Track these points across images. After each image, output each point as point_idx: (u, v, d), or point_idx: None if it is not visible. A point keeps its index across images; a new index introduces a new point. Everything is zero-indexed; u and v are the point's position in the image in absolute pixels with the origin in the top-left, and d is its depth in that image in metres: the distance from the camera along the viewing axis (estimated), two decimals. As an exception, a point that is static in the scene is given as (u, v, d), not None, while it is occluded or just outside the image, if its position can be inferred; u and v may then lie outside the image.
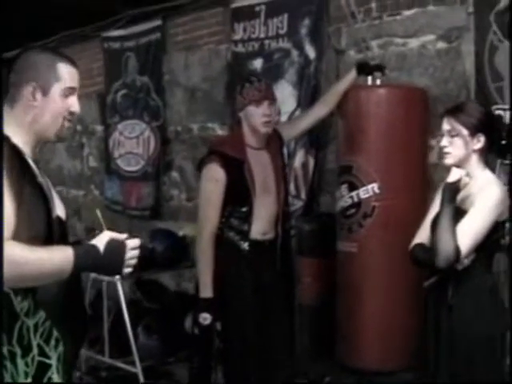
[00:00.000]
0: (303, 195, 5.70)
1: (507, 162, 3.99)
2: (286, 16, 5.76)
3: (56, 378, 2.38)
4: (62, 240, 2.39)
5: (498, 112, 4.19)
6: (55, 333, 2.37)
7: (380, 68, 4.54)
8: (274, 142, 4.25)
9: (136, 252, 2.39)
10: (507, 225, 3.34)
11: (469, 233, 3.04)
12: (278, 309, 4.21)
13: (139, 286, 6.17)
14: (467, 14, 4.56)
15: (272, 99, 4.15)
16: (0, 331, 2.24)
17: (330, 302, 4.75)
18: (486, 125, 3.20)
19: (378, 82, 4.55)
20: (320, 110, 4.53)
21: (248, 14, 6.06)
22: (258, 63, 6.04)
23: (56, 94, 2.45)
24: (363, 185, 4.43)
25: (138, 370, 5.32)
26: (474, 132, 3.17)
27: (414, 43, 4.94)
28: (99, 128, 8.26)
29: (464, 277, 3.13)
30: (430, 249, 3.20)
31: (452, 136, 3.20)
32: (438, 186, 3.45)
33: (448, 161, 3.22)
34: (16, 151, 2.30)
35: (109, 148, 7.94)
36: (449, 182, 3.14)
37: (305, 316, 4.92)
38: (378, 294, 4.46)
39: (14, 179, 2.22)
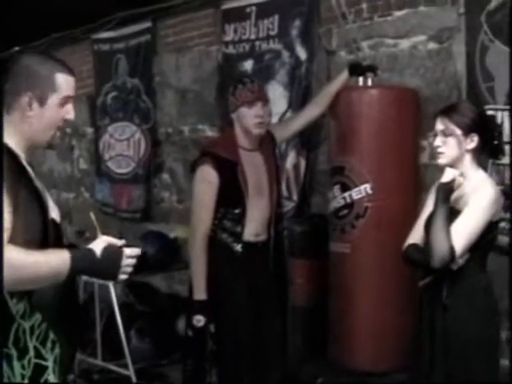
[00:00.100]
0: (295, 196, 5.70)
1: (499, 161, 3.99)
2: (276, 17, 5.75)
3: (52, 379, 2.38)
4: (57, 243, 2.39)
5: (489, 112, 4.20)
6: (51, 335, 2.37)
7: (372, 69, 4.54)
8: (266, 143, 4.25)
9: (133, 260, 2.40)
10: (503, 224, 3.35)
11: (463, 233, 3.04)
12: (271, 310, 4.21)
13: (131, 289, 6.15)
14: (458, 15, 4.56)
15: (265, 100, 4.14)
16: None
17: (323, 303, 4.75)
18: (480, 125, 3.20)
19: (370, 82, 4.56)
20: (312, 111, 4.53)
21: (239, 15, 6.06)
22: (248, 64, 6.04)
23: (52, 104, 2.44)
24: (356, 185, 4.43)
25: (130, 372, 5.31)
26: (467, 132, 3.17)
27: (405, 44, 4.95)
28: (89, 130, 8.24)
29: (458, 277, 3.13)
30: (423, 249, 3.21)
31: (445, 136, 3.20)
32: (431, 186, 3.45)
33: (442, 161, 3.23)
34: (12, 155, 2.30)
35: (99, 150, 7.93)
36: (443, 182, 3.14)
37: (297, 317, 4.92)
38: (370, 294, 4.46)
39: (11, 183, 2.21)
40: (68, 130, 8.36)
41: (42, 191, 2.38)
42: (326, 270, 4.71)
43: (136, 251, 2.41)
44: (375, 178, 4.41)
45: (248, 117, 4.07)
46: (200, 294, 4.04)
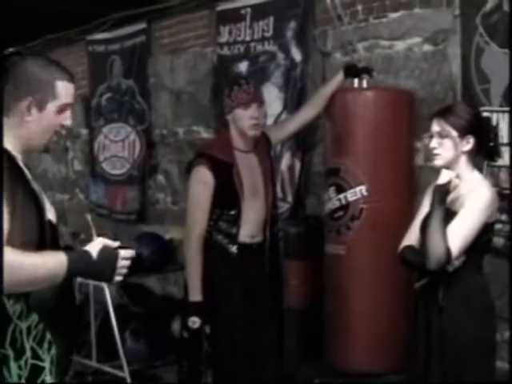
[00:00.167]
0: (289, 198, 5.70)
1: (494, 163, 3.99)
2: (271, 19, 5.76)
3: (49, 380, 2.38)
4: (54, 244, 2.39)
5: (484, 114, 4.21)
6: (48, 335, 2.37)
7: (368, 70, 4.55)
8: (262, 145, 4.24)
9: (128, 262, 2.41)
10: (499, 226, 3.35)
11: (459, 234, 3.04)
12: (267, 312, 4.21)
13: (126, 290, 6.15)
14: (453, 17, 4.57)
15: (260, 102, 4.14)
16: None
17: (317, 304, 4.75)
18: (476, 126, 3.20)
19: (365, 84, 4.56)
20: (307, 113, 4.53)
21: (234, 16, 6.06)
22: (243, 66, 6.04)
23: (51, 111, 2.44)
24: (351, 187, 4.44)
25: (125, 374, 5.30)
26: (463, 133, 3.18)
27: (400, 46, 4.96)
28: (84, 131, 8.23)
29: (454, 278, 3.14)
30: (419, 251, 3.21)
31: (441, 138, 3.20)
32: (426, 187, 3.46)
33: (438, 162, 3.23)
34: (9, 156, 2.31)
35: (94, 151, 7.92)
36: (439, 184, 3.14)
37: (291, 318, 4.91)
38: (366, 296, 4.46)
39: (8, 185, 2.22)
40: (62, 132, 8.32)
41: (39, 193, 2.38)
42: (320, 272, 4.72)
43: (130, 253, 2.41)
44: (370, 180, 4.41)
45: (243, 118, 4.07)
46: (195, 295, 4.04)
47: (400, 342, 4.14)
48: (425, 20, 4.78)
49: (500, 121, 4.23)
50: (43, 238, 2.33)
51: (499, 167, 4.21)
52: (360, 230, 4.44)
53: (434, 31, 4.73)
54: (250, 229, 4.12)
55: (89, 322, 5.70)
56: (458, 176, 3.16)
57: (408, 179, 4.59)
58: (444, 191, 3.11)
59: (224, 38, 6.17)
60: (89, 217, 2.53)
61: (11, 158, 2.32)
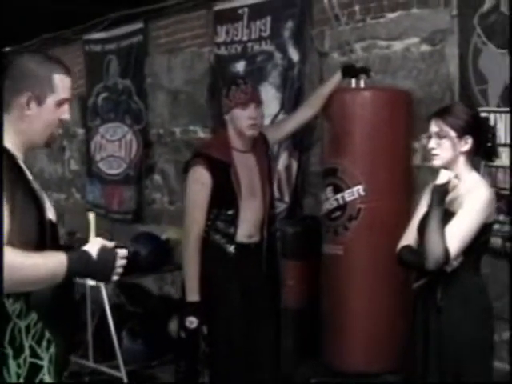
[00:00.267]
0: (287, 198, 5.70)
1: (491, 163, 4.00)
2: (269, 19, 5.76)
3: (48, 379, 2.38)
4: (54, 243, 2.40)
5: (482, 114, 4.21)
6: (47, 334, 2.37)
7: (365, 70, 4.56)
8: (259, 145, 4.24)
9: (124, 261, 2.42)
10: (497, 226, 3.35)
11: (457, 235, 3.04)
12: (264, 311, 4.21)
13: (122, 290, 6.14)
14: (451, 17, 4.58)
15: (258, 102, 4.13)
16: None
17: (314, 304, 4.76)
18: (474, 127, 3.20)
19: (363, 84, 4.57)
20: (305, 113, 4.53)
21: (231, 16, 6.06)
22: (240, 66, 6.04)
23: (50, 105, 2.45)
24: (348, 187, 4.44)
25: (122, 374, 5.29)
26: (461, 134, 3.17)
27: (397, 46, 4.96)
28: (80, 131, 8.23)
29: (453, 279, 3.14)
30: (417, 251, 3.21)
31: (440, 138, 3.20)
32: (423, 188, 3.46)
33: (436, 163, 3.23)
34: (9, 156, 2.31)
35: (90, 151, 7.91)
36: (438, 184, 3.14)
37: (289, 318, 4.91)
38: (363, 296, 4.47)
39: (8, 184, 2.22)
40: (59, 131, 8.32)
41: (39, 192, 2.38)
42: (317, 272, 4.72)
43: (124, 251, 2.43)
44: (368, 180, 4.42)
45: (241, 118, 4.07)
46: (193, 295, 4.03)
47: (397, 342, 4.15)
48: (422, 20, 4.78)
49: (497, 121, 4.23)
50: (43, 237, 2.33)
51: (497, 167, 4.21)
52: (357, 230, 4.44)
53: (431, 31, 4.73)
54: (247, 229, 4.12)
55: (85, 321, 5.70)
56: (456, 176, 3.16)
57: (405, 179, 4.59)
58: (443, 191, 3.11)
59: (221, 38, 6.17)
60: (91, 215, 2.53)
61: (11, 157, 2.32)
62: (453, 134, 3.17)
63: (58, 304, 2.41)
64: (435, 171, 3.23)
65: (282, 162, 5.69)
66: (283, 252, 5.00)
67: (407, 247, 3.30)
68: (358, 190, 4.42)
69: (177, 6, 6.51)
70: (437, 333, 3.17)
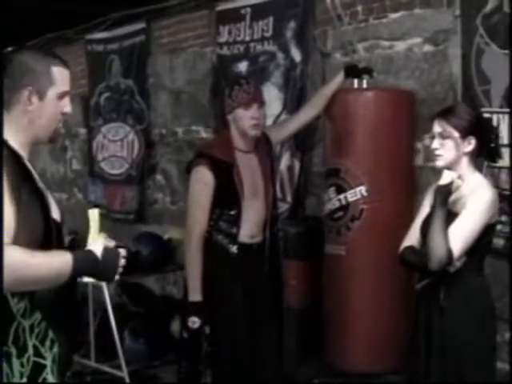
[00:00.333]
0: (289, 198, 5.70)
1: (494, 164, 3.99)
2: (271, 19, 5.76)
3: (51, 378, 2.38)
4: (58, 243, 2.40)
5: (485, 115, 4.21)
6: (50, 334, 2.38)
7: (368, 71, 4.55)
8: (262, 145, 4.24)
9: (124, 261, 2.44)
10: (499, 227, 3.35)
11: (461, 235, 3.04)
12: (267, 311, 4.20)
13: (124, 290, 6.14)
14: (454, 17, 4.57)
15: (261, 102, 4.13)
16: None
17: (316, 304, 4.76)
18: (477, 127, 3.20)
19: (365, 84, 4.56)
20: (308, 113, 4.53)
21: (233, 16, 6.06)
22: (243, 66, 6.04)
23: (51, 98, 2.46)
24: (351, 187, 4.44)
25: (124, 373, 5.29)
26: (464, 134, 3.17)
27: (400, 46, 4.96)
28: (82, 131, 8.23)
29: (456, 279, 3.13)
30: (420, 251, 3.21)
31: (443, 138, 3.19)
32: (426, 188, 3.46)
33: (439, 163, 3.22)
34: (15, 155, 2.31)
35: (92, 151, 7.92)
36: (441, 185, 3.13)
37: (291, 318, 4.91)
38: (365, 296, 4.47)
39: (13, 184, 2.22)
40: (62, 129, 8.32)
41: (45, 192, 2.38)
42: (319, 272, 4.72)
43: (123, 251, 2.44)
44: (370, 180, 4.41)
45: (244, 118, 4.07)
46: (195, 295, 4.03)
47: (400, 343, 4.15)
48: (425, 20, 4.78)
49: (500, 122, 4.23)
50: (48, 237, 2.34)
51: (499, 168, 4.21)
52: (360, 230, 4.44)
53: (434, 32, 4.73)
54: (250, 229, 4.12)
55: (87, 321, 5.70)
56: (459, 177, 3.16)
57: (408, 180, 4.59)
58: (446, 192, 3.11)
59: (223, 38, 6.17)
60: (96, 211, 2.53)
61: (17, 156, 2.32)
62: (456, 134, 3.17)
63: (61, 304, 2.41)
64: (438, 172, 3.23)
65: (284, 162, 5.69)
66: (285, 252, 4.99)
67: (410, 248, 3.29)
68: (361, 190, 4.41)
69: (179, 5, 6.51)
70: (440, 333, 3.16)
